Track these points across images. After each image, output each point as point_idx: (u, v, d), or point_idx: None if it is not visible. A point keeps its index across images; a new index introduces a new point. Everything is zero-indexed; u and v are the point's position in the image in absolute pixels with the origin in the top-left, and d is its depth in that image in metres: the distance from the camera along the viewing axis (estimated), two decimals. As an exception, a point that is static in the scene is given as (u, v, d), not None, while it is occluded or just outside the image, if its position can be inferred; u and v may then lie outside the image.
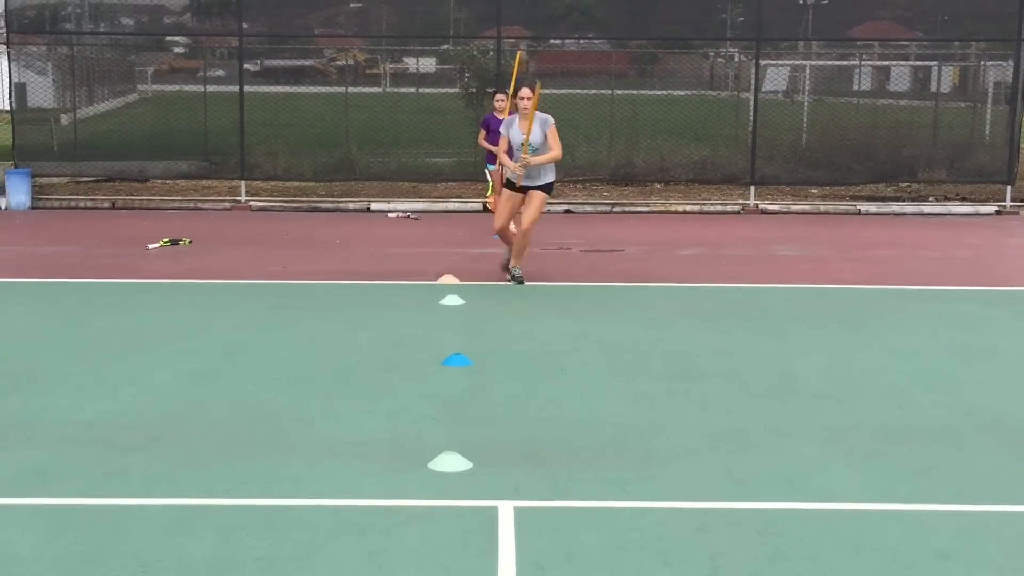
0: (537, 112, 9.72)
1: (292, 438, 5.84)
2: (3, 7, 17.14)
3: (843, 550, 4.48)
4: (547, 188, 9.99)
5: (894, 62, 22.42)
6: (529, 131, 9.65)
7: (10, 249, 12.11)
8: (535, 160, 9.67)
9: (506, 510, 4.85)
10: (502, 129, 9.97)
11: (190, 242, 12.43)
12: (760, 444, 5.78)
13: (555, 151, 9.79)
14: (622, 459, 5.54)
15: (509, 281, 10.03)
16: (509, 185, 10.04)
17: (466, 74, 18.81)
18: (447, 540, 4.55)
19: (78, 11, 19.97)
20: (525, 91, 9.71)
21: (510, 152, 9.89)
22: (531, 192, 9.85)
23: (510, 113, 12.71)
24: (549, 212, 15.72)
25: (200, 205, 16.06)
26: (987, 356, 7.68)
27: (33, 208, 15.66)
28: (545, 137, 9.76)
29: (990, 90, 18.35)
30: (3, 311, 8.93)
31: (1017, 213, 16.17)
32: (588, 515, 4.83)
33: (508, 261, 10.21)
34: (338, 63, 21.39)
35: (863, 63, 21.76)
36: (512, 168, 9.78)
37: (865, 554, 4.44)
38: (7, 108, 17.07)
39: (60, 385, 6.77)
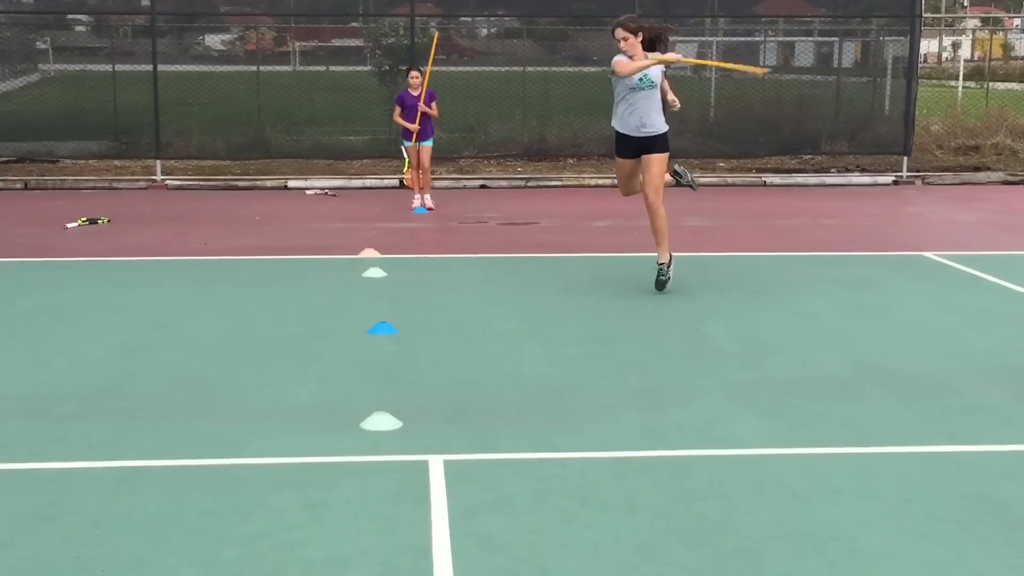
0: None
1: (226, 404, 6.07)
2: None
3: (748, 489, 4.87)
4: (663, 144, 8.67)
5: (798, 38, 23.07)
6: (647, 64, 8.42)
7: (-75, 230, 12.04)
8: (688, 60, 9.39)
9: (436, 464, 5.15)
10: (618, 57, 8.51)
11: (109, 221, 12.46)
12: (672, 399, 6.17)
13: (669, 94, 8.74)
14: (543, 416, 5.89)
15: (656, 286, 8.79)
16: (621, 149, 8.79)
17: (377, 52, 18.95)
18: (382, 492, 4.84)
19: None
20: (620, 31, 8.46)
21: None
22: (648, 158, 8.61)
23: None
24: (464, 188, 16.04)
25: (115, 184, 16.01)
26: (881, 316, 8.19)
27: (-58, 190, 15.47)
28: (663, 75, 8.70)
29: (889, 65, 19.01)
30: (-75, 291, 8.96)
31: (913, 183, 16.88)
32: (513, 466, 5.16)
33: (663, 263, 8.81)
34: (248, 42, 21.35)
35: (768, 39, 22.37)
36: (667, 59, 8.52)
37: (768, 491, 4.85)
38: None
39: (-8, 360, 6.89)
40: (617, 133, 8.76)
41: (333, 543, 4.34)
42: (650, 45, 8.56)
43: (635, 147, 8.66)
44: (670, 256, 8.79)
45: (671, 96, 8.75)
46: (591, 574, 4.11)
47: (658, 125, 8.62)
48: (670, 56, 8.61)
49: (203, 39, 21.59)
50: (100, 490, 4.85)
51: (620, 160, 8.84)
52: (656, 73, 8.53)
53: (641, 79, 8.46)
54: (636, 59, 8.40)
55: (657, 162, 8.61)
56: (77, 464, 5.16)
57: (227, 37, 21.81)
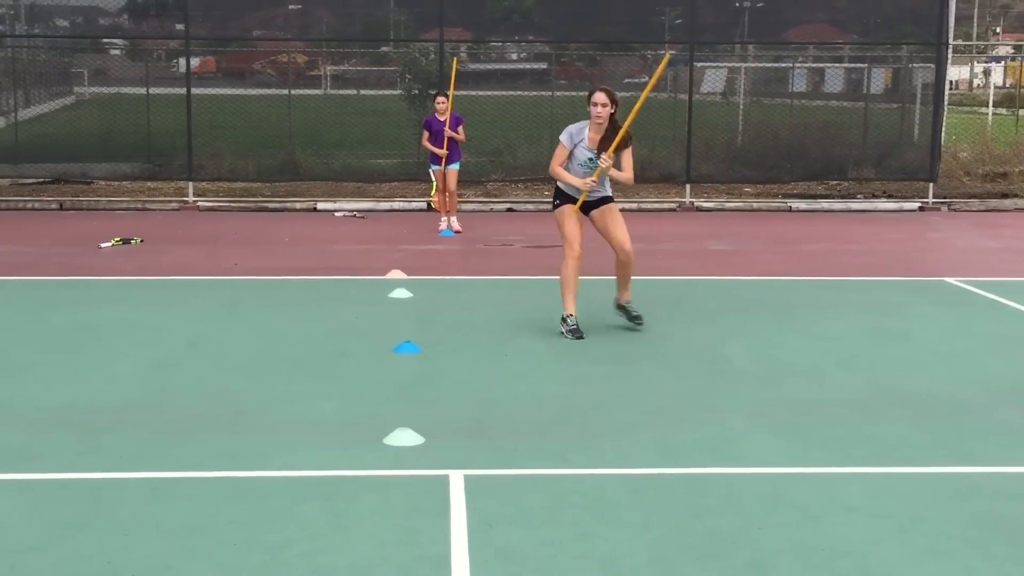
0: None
1: (254, 419, 6.22)
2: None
3: (762, 506, 4.97)
4: (611, 198, 8.46)
5: (827, 64, 23.17)
6: (610, 148, 7.98)
7: (-37, 249, 12.32)
8: (616, 174, 8.11)
9: (456, 478, 5.28)
10: (564, 138, 8.19)
11: (142, 241, 12.70)
12: (689, 418, 6.27)
13: (629, 174, 8.24)
14: (562, 433, 6.00)
15: (632, 321, 8.49)
16: (563, 201, 8.35)
17: (407, 76, 19.20)
18: (403, 504, 4.97)
19: (11, 12, 20.04)
20: (600, 96, 8.01)
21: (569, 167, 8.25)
22: (605, 209, 8.33)
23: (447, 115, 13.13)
24: (491, 211, 16.21)
25: (148, 206, 16.29)
26: (900, 340, 8.26)
27: (-20, 210, 15.79)
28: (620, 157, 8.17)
29: (918, 91, 19.08)
30: (-37, 307, 9.18)
31: (939, 209, 16.91)
32: (531, 481, 5.29)
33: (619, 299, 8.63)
34: (281, 64, 21.68)
35: (797, 65, 22.49)
36: (580, 186, 8.11)
37: (781, 508, 4.95)
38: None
39: (27, 374, 7.09)
40: (558, 191, 8.43)
41: (355, 552, 4.47)
42: (612, 124, 8.12)
43: (588, 205, 8.35)
44: None
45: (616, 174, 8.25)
46: (605, 585, 4.23)
47: (607, 191, 8.42)
48: (586, 183, 8.13)
49: (176, 63, 21.83)
50: (131, 499, 5.01)
51: (567, 207, 8.30)
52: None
53: (591, 158, 8.13)
54: (599, 134, 8.07)
55: (618, 210, 8.45)
56: (109, 475, 5.32)
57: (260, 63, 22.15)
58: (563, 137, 8.18)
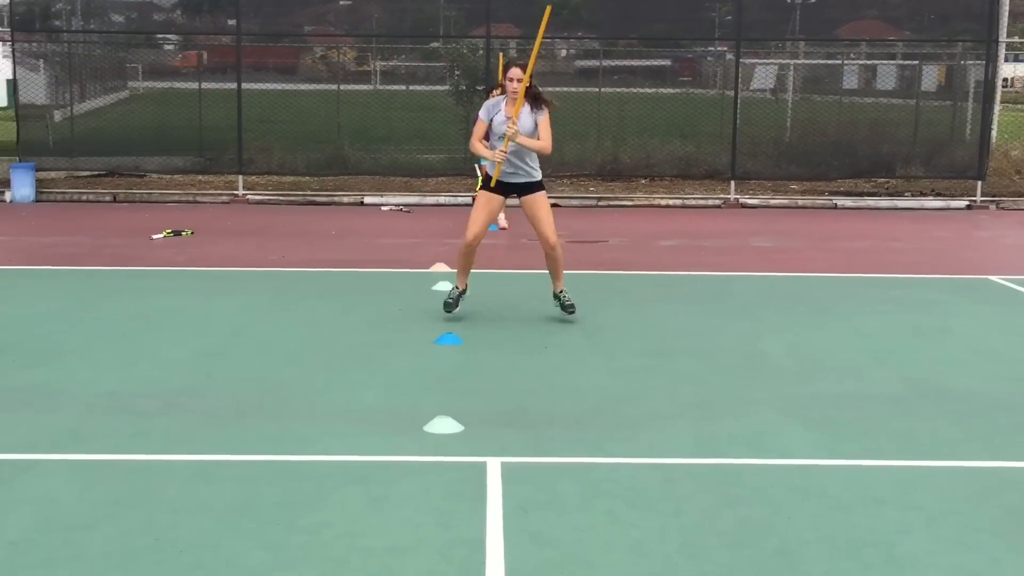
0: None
1: (297, 406, 6.39)
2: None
3: (791, 496, 5.06)
4: (540, 185, 8.44)
5: (879, 61, 23.01)
6: (517, 115, 8.10)
7: (20, 239, 12.66)
8: (523, 140, 8.07)
9: (494, 465, 5.41)
10: (482, 113, 8.39)
11: (192, 233, 12.96)
12: (724, 411, 6.36)
13: (545, 142, 8.21)
14: (598, 423, 6.11)
15: (565, 311, 8.58)
16: (486, 184, 8.50)
17: (455, 72, 19.35)
18: (441, 489, 5.11)
19: (68, 8, 20.42)
20: (515, 71, 8.13)
21: (489, 140, 8.43)
22: (533, 199, 8.37)
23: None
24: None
25: (199, 198, 16.58)
26: (940, 337, 8.28)
27: (37, 201, 16.17)
28: (536, 125, 8.22)
29: (971, 89, 18.93)
30: (20, 296, 9.45)
31: (987, 208, 16.79)
32: (567, 469, 5.40)
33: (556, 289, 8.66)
34: (330, 60, 21.90)
35: (848, 62, 22.36)
36: (491, 157, 8.22)
37: (811, 499, 5.02)
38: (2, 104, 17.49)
39: (80, 360, 7.31)
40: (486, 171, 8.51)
41: (393, 534, 4.61)
42: (533, 100, 8.26)
43: (508, 188, 8.41)
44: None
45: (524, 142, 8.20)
46: (635, 570, 4.33)
47: (532, 173, 8.36)
48: (497, 152, 8.19)
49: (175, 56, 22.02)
50: (178, 480, 5.18)
51: (483, 193, 8.50)
52: (528, 125, 8.18)
53: (502, 137, 8.20)
54: (514, 108, 8.11)
55: (545, 201, 8.44)
56: (158, 457, 5.50)
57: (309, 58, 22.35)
58: (481, 112, 8.39)
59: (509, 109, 8.19)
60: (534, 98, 8.25)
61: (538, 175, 8.42)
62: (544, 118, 8.23)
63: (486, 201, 8.41)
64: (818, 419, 6.21)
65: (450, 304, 8.50)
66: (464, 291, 8.62)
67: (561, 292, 8.61)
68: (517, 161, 8.26)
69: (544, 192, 8.47)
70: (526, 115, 8.20)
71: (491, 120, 8.32)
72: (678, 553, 4.47)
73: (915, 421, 6.20)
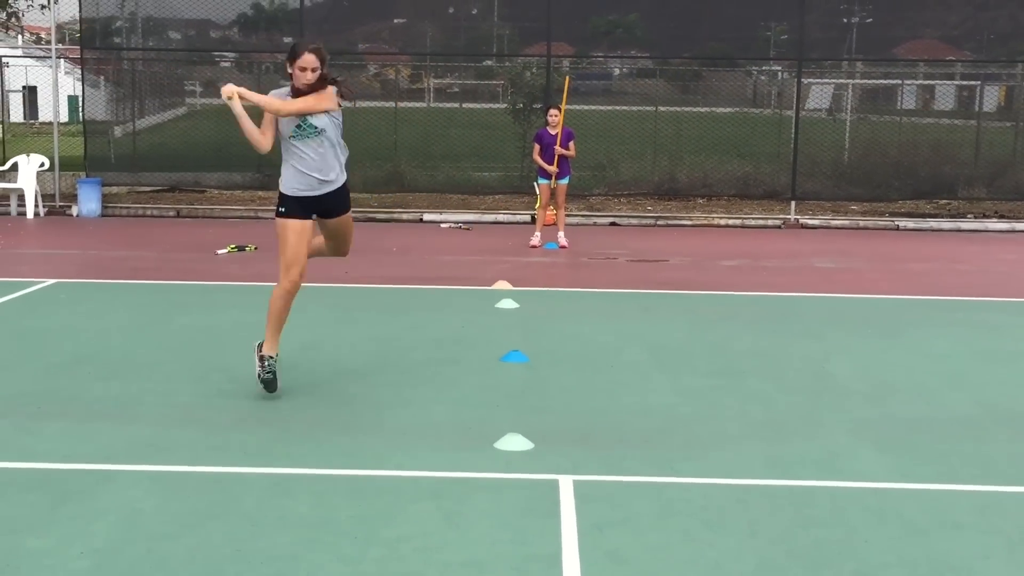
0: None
1: (368, 421, 6.45)
2: (57, 21, 17.92)
3: (867, 519, 5.02)
4: (348, 200, 7.10)
5: (938, 81, 22.83)
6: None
7: (89, 253, 12.89)
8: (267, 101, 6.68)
9: (566, 483, 5.42)
10: (274, 94, 6.86)
11: (256, 248, 13.12)
12: (795, 432, 6.33)
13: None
14: (668, 443, 6.11)
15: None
16: (292, 207, 6.86)
17: (510, 90, 19.45)
18: (515, 506, 5.13)
19: (128, 25, 20.78)
20: (310, 58, 6.61)
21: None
22: (336, 222, 7.06)
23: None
24: (595, 225, 16.34)
25: (260, 214, 16.78)
26: (1011, 361, 8.18)
27: (103, 215, 16.45)
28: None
29: (1034, 110, 18.71)
30: (92, 308, 9.62)
31: (1053, 230, 16.56)
32: (639, 488, 5.40)
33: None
34: (385, 77, 22.10)
35: (906, 82, 22.20)
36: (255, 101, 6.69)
37: (887, 523, 4.98)
38: (59, 121, 17.78)
39: (155, 373, 7.43)
40: (283, 195, 6.91)
41: (469, 549, 4.64)
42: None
43: (312, 206, 6.87)
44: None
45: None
46: (712, 590, 4.33)
47: (343, 176, 6.94)
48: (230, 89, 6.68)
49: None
50: (256, 493, 5.25)
51: (290, 221, 6.81)
52: (321, 119, 6.69)
53: (300, 125, 6.69)
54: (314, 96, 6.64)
55: (350, 223, 7.15)
56: (235, 469, 5.58)
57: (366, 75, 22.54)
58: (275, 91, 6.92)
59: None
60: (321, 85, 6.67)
61: (345, 178, 7.00)
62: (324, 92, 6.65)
63: (297, 226, 6.87)
64: (890, 442, 6.16)
65: (271, 379, 6.82)
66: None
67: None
68: (320, 161, 6.79)
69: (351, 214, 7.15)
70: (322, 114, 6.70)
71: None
72: (754, 574, 4.46)
73: (990, 445, 6.13)
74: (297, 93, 6.68)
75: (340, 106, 6.77)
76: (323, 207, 6.89)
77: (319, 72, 6.62)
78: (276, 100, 6.68)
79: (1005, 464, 5.84)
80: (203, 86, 22.26)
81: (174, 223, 16.08)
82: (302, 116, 6.65)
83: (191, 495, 5.20)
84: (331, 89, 6.67)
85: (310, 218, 6.88)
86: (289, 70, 6.66)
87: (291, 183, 6.85)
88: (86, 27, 18.13)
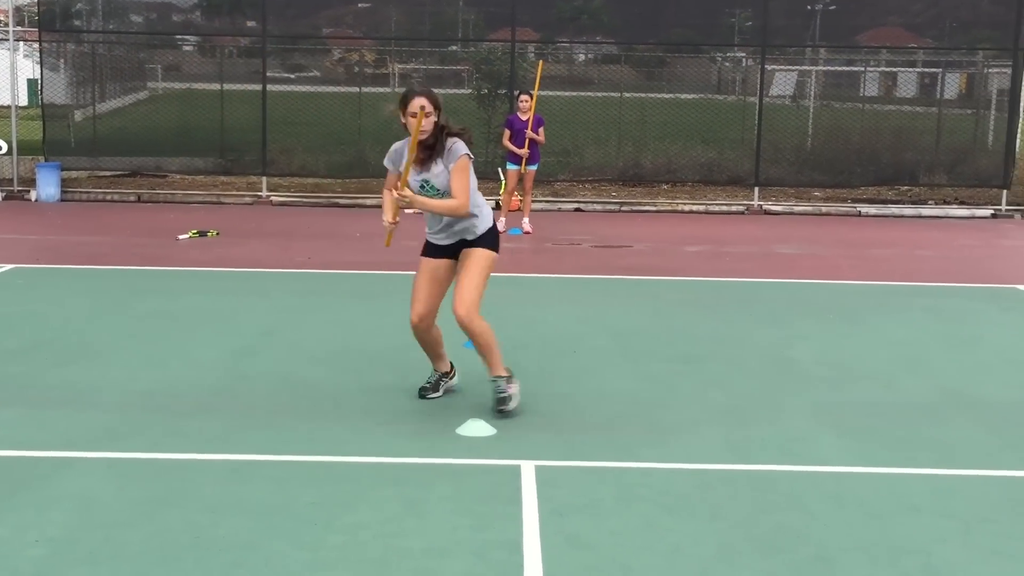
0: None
1: (330, 407, 6.41)
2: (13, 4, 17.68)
3: (826, 504, 5.05)
4: (490, 241, 6.38)
5: (900, 68, 22.97)
6: (406, 170, 6.13)
7: (48, 238, 12.74)
8: (421, 202, 6.06)
9: (528, 468, 5.42)
10: (386, 161, 6.38)
11: (217, 234, 13.02)
12: (756, 417, 6.35)
13: (456, 200, 6.11)
14: (630, 428, 6.12)
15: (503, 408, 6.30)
16: (430, 249, 6.48)
17: (475, 76, 19.37)
18: (477, 492, 5.12)
19: (88, 8, 20.51)
20: (419, 102, 6.02)
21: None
22: (464, 255, 6.36)
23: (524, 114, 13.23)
24: (559, 211, 16.33)
25: (222, 199, 16.65)
26: (971, 346, 8.25)
27: (61, 200, 16.25)
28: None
29: (993, 97, 18.86)
30: (51, 294, 9.51)
31: (1012, 216, 16.73)
32: (601, 473, 5.41)
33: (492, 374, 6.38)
34: (348, 62, 21.94)
35: (869, 69, 22.33)
36: (390, 206, 6.31)
37: (846, 507, 5.02)
38: (17, 105, 17.53)
39: (114, 359, 7.36)
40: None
41: (430, 535, 4.62)
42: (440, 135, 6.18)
43: (446, 250, 6.44)
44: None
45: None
46: (672, 574, 4.33)
47: (475, 229, 6.33)
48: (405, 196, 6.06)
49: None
50: (215, 479, 5.21)
51: (422, 259, 6.52)
52: (442, 179, 6.16)
53: (423, 186, 6.22)
54: (424, 152, 6.15)
55: (478, 262, 6.31)
56: (193, 456, 5.53)
57: (329, 60, 22.39)
58: (386, 161, 6.38)
59: (420, 154, 6.16)
60: (433, 154, 6.18)
61: (473, 232, 6.35)
62: (457, 164, 6.11)
63: (424, 267, 6.52)
64: (850, 426, 6.20)
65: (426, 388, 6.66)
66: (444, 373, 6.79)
67: (496, 377, 6.37)
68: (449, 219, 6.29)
69: (492, 253, 6.44)
70: (441, 168, 6.18)
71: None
72: (714, 558, 4.47)
73: (948, 429, 6.19)
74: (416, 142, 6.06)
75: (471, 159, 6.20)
76: (452, 252, 6.43)
77: (432, 119, 6.07)
78: (415, 197, 6.09)
79: (962, 448, 5.89)
80: (165, 70, 22.04)
81: (135, 208, 15.93)
82: (423, 177, 6.19)
83: (149, 482, 5.15)
84: (463, 158, 6.11)
85: (441, 259, 6.44)
86: (402, 119, 6.15)
87: (427, 226, 6.51)
88: (45, 9, 17.88)
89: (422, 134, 6.03)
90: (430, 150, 6.13)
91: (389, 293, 9.77)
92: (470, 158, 6.15)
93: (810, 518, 4.89)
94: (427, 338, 6.56)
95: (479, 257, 6.29)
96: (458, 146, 6.13)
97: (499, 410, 6.26)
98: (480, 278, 6.27)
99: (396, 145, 6.36)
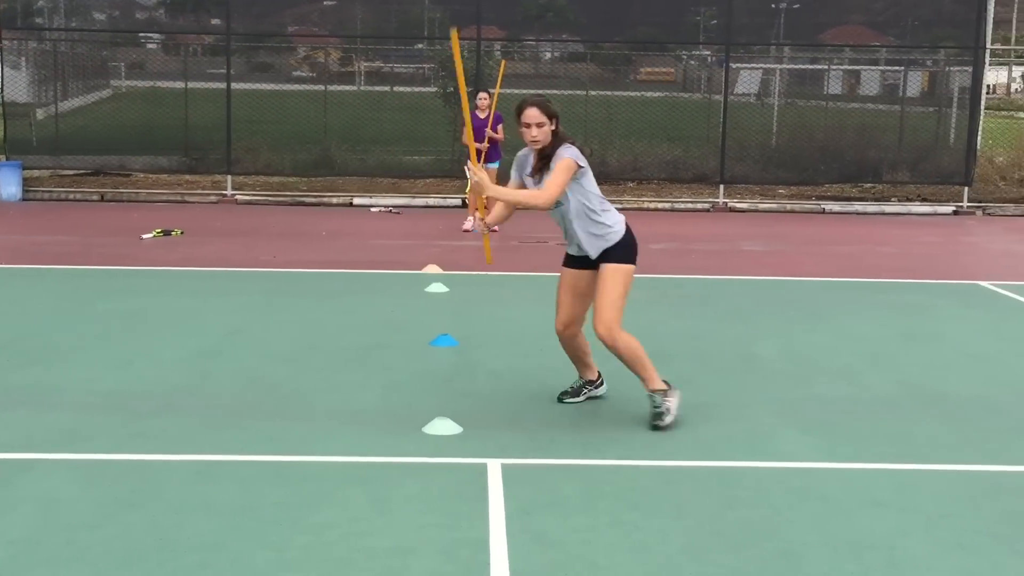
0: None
1: (295, 406, 6.39)
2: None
3: (791, 499, 5.09)
4: (622, 254, 6.15)
5: (863, 67, 23.14)
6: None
7: (10, 238, 12.61)
8: (494, 189, 6.03)
9: (494, 466, 5.42)
10: (512, 172, 6.33)
11: (182, 233, 12.93)
12: (721, 414, 6.39)
13: (539, 197, 5.99)
14: (597, 425, 6.13)
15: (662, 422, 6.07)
16: (568, 260, 6.34)
17: (441, 73, 19.34)
18: (443, 490, 5.11)
19: (50, 5, 20.32)
20: (532, 113, 6.00)
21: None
22: (602, 269, 6.12)
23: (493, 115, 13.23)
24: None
25: (187, 198, 16.54)
26: (932, 341, 8.34)
27: (24, 200, 16.09)
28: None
29: (955, 95, 19.05)
30: (13, 295, 9.42)
31: (974, 213, 16.91)
32: (567, 471, 5.42)
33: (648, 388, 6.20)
34: (317, 61, 21.87)
35: (833, 67, 22.48)
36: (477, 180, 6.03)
37: (810, 502, 5.05)
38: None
39: (76, 359, 7.29)
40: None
41: (396, 534, 4.62)
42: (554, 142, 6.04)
43: (582, 260, 6.26)
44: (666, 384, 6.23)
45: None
46: (639, 571, 4.34)
47: (599, 243, 6.14)
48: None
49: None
50: (179, 480, 5.17)
51: (563, 269, 6.41)
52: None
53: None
54: (534, 159, 6.11)
55: (612, 277, 6.09)
56: (157, 456, 5.49)
57: (295, 58, 22.31)
58: (512, 171, 6.35)
59: (537, 163, 6.13)
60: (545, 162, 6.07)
61: (614, 239, 6.17)
62: (561, 162, 5.94)
63: (564, 277, 6.39)
64: (814, 422, 6.25)
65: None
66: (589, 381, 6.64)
67: (654, 391, 6.17)
68: (575, 232, 6.18)
69: (627, 267, 6.19)
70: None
71: (522, 180, 6.28)
72: (681, 554, 4.49)
73: (911, 424, 6.25)
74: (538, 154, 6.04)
75: (580, 166, 5.98)
76: (591, 263, 6.20)
77: (546, 128, 5.96)
78: (489, 184, 6.04)
79: (924, 443, 5.95)
80: (128, 68, 21.87)
81: (98, 207, 15.79)
82: (540, 186, 6.02)
83: (112, 483, 5.11)
84: (566, 159, 5.90)
85: (580, 269, 6.25)
86: (519, 129, 6.05)
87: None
88: (6, 7, 17.70)
89: (535, 143, 6.01)
90: (547, 159, 6.02)
91: (355, 292, 9.75)
92: (579, 165, 5.97)
93: (775, 513, 4.92)
94: (572, 345, 6.46)
95: (612, 273, 6.09)
96: (566, 150, 5.97)
97: (653, 425, 6.02)
98: (615, 294, 6.07)
99: (520, 153, 6.29)
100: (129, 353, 7.46)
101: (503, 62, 11.00)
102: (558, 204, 6.07)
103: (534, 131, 5.97)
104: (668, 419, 6.06)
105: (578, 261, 6.25)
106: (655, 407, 6.09)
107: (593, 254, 6.13)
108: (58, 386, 6.64)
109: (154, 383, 6.77)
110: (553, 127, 6.03)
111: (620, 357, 6.17)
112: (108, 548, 4.42)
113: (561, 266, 6.37)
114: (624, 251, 6.16)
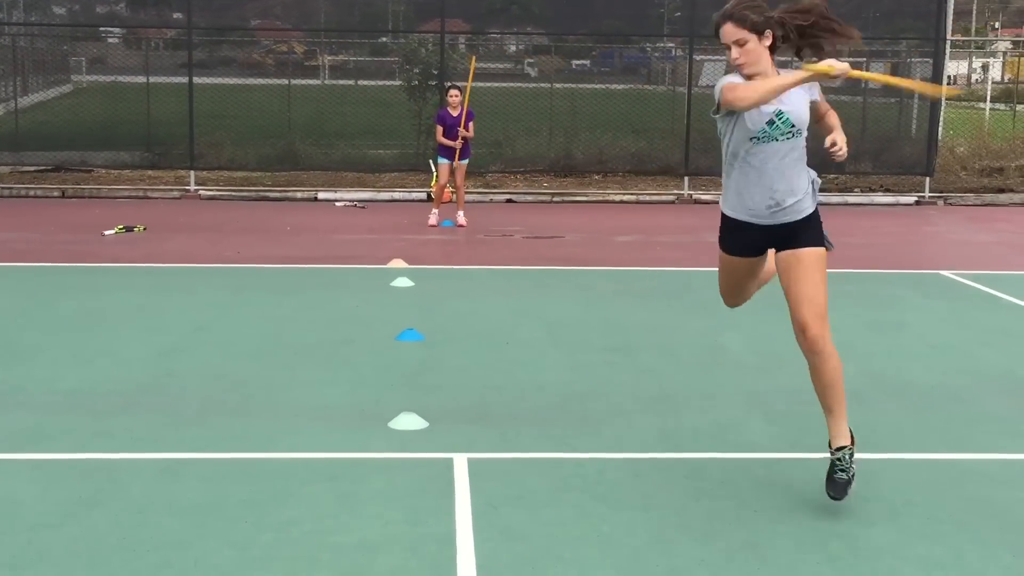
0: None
1: (261, 403, 6.34)
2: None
3: (757, 489, 5.11)
4: (817, 232, 4.94)
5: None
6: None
7: (-32, 235, 12.44)
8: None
9: (460, 461, 5.41)
10: (729, 82, 4.69)
11: (144, 229, 12.81)
12: (687, 405, 6.40)
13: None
14: (563, 419, 6.13)
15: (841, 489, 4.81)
16: (730, 240, 5.08)
17: (406, 66, 19.26)
18: (409, 486, 5.10)
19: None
20: (729, 29, 4.74)
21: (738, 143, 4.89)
22: (790, 256, 4.94)
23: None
24: (491, 202, 16.32)
25: (149, 194, 16.39)
26: (895, 331, 8.40)
27: (-17, 197, 15.90)
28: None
29: (916, 86, 19.09)
30: (-29, 292, 9.30)
31: (935, 203, 17.06)
32: (534, 464, 5.41)
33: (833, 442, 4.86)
34: (281, 54, 21.73)
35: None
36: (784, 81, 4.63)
37: (775, 492, 5.08)
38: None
39: (37, 358, 7.21)
40: (724, 217, 5.05)
41: (363, 530, 4.60)
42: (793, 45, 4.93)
43: (761, 239, 5.01)
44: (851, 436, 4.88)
45: (833, 136, 4.87)
46: (606, 564, 4.35)
47: (804, 201, 4.90)
48: (826, 66, 4.66)
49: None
50: (143, 479, 5.13)
51: (728, 257, 5.18)
52: (801, 107, 4.81)
53: (774, 120, 4.75)
54: (763, 77, 4.74)
55: (813, 262, 4.92)
56: (121, 455, 5.44)
57: (258, 52, 22.15)
58: (722, 87, 4.73)
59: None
60: (803, 34, 4.92)
61: (813, 204, 4.99)
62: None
63: (732, 261, 5.26)
64: (779, 412, 6.28)
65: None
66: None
67: (839, 450, 4.82)
68: (780, 177, 4.88)
69: (823, 250, 5.03)
70: (800, 95, 4.83)
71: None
72: (648, 547, 4.50)
73: (874, 414, 6.29)
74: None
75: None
76: (763, 245, 5.02)
77: (751, 46, 4.71)
78: (750, 88, 4.68)
79: (887, 432, 6.00)
80: (89, 62, 21.63)
81: (59, 204, 15.62)
82: (776, 109, 4.73)
83: (74, 483, 5.05)
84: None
85: (755, 255, 5.11)
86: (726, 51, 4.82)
87: (732, 202, 4.99)
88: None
89: (743, 67, 4.73)
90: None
91: (320, 287, 9.69)
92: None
93: (741, 504, 4.94)
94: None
95: (816, 258, 4.90)
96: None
97: (832, 496, 4.74)
98: (824, 283, 4.88)
99: (729, 77, 4.83)
100: (91, 351, 7.39)
101: (472, 58, 10.91)
102: (789, 128, 4.78)
103: (735, 52, 4.72)
104: (851, 489, 4.78)
105: (750, 244, 5.01)
106: (841, 470, 4.75)
107: (801, 212, 4.86)
108: (19, 385, 6.56)
109: (117, 381, 6.70)
110: (767, 41, 4.75)
111: (821, 371, 5.00)
112: (70, 548, 4.37)
113: (723, 253, 5.15)
114: (820, 225, 4.96)
